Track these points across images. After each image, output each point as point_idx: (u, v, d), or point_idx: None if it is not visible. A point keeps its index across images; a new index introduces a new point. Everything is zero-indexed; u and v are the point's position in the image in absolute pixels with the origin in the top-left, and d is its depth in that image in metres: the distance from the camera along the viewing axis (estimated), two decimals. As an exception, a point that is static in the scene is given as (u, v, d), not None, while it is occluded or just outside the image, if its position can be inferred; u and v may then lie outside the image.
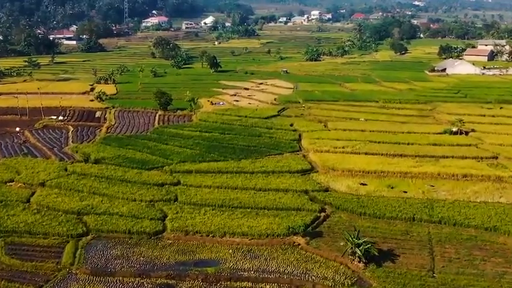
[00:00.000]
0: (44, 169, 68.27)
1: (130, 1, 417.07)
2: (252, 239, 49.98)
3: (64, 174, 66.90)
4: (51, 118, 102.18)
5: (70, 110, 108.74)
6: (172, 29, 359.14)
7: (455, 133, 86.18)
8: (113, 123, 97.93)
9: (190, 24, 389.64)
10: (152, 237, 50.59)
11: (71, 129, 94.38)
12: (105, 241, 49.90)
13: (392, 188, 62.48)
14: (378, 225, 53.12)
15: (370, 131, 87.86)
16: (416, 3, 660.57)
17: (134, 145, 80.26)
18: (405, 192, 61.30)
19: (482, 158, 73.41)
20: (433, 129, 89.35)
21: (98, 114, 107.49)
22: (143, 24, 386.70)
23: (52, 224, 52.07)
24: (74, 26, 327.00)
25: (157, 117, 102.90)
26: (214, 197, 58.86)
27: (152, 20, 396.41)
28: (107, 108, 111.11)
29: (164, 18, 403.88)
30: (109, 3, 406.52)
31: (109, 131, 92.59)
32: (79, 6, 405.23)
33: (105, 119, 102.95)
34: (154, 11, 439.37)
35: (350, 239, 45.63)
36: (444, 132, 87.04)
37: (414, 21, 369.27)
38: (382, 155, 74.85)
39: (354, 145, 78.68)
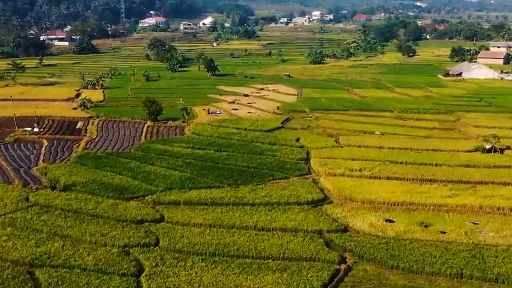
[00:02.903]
0: (0, 199, 56.23)
1: (127, 1, 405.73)
2: (252, 307, 37.99)
3: (24, 206, 54.78)
4: (26, 130, 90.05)
5: (48, 120, 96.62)
6: (170, 30, 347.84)
7: (489, 151, 74.16)
8: (94, 137, 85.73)
9: (189, 24, 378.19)
10: (122, 304, 38.59)
11: (46, 143, 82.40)
12: (59, 309, 37.87)
13: (425, 226, 50.31)
14: (417, 283, 40.96)
15: (389, 148, 75.77)
16: (418, 4, 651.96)
17: (113, 166, 68.10)
18: (444, 232, 49.24)
19: (527, 184, 61.38)
20: (462, 146, 77.18)
21: (79, 125, 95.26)
22: (140, 24, 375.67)
23: (-8, 283, 40.09)
24: (69, 26, 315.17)
25: (145, 129, 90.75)
26: (206, 240, 46.71)
27: (150, 21, 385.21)
28: (90, 117, 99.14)
29: (161, 19, 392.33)
30: (105, 3, 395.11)
31: (87, 146, 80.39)
32: (74, 6, 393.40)
33: (86, 131, 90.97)
34: (151, 11, 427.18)
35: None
36: (476, 150, 74.95)
37: (419, 22, 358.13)
38: (408, 180, 62.67)
39: (373, 167, 66.54)
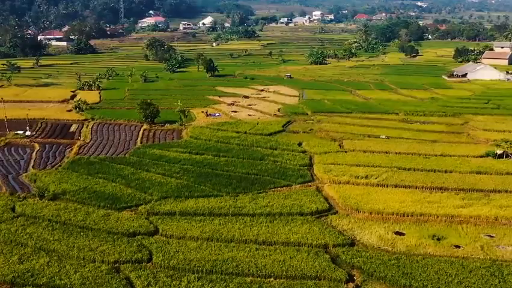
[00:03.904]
0: (-15, 209, 52.93)
1: (126, 1, 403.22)
2: (253, 333, 34.66)
3: (9, 217, 51.42)
4: (17, 133, 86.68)
5: (41, 123, 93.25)
6: (169, 30, 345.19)
7: (500, 156, 70.76)
8: (87, 141, 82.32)
9: (188, 24, 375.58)
10: (110, 329, 35.27)
11: (37, 148, 78.98)
12: (40, 335, 34.56)
13: (438, 239, 46.95)
14: (432, 306, 37.75)
15: (396, 153, 72.40)
16: (419, 4, 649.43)
17: (106, 172, 64.68)
18: (458, 247, 45.87)
19: (544, 193, 57.98)
20: (472, 151, 73.72)
21: (73, 128, 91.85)
22: (139, 24, 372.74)
23: (-31, 305, 36.81)
24: (67, 26, 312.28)
25: (141, 133, 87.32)
26: (202, 256, 43.30)
27: (149, 21, 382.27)
28: (85, 120, 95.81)
29: (161, 19, 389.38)
30: (104, 3, 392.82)
31: (80, 151, 76.89)
32: (73, 6, 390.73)
33: (80, 134, 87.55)
34: (151, 11, 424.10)
35: None
36: (487, 155, 71.55)
37: (420, 22, 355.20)
38: (417, 188, 59.26)
39: (379, 174, 63.12)
